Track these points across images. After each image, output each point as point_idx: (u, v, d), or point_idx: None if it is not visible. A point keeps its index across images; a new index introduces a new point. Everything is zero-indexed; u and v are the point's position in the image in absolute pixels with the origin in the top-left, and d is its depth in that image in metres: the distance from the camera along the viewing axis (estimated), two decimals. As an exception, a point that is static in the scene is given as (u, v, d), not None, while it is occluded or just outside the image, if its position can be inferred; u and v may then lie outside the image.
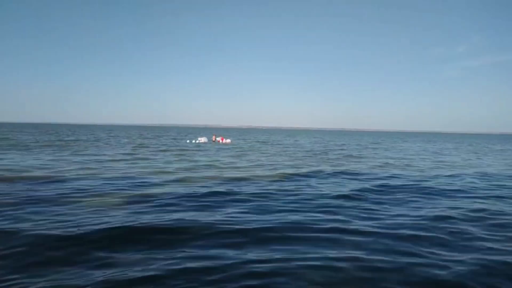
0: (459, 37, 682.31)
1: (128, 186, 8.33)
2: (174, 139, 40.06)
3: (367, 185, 9.34)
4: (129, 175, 10.10)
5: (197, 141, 32.70)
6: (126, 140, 34.23)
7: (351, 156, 20.51)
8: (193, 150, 22.28)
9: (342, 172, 11.97)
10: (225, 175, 10.54)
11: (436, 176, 11.65)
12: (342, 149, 27.52)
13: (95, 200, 6.82)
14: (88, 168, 11.27)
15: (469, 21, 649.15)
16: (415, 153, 25.27)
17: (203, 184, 8.94)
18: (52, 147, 21.12)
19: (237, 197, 7.38)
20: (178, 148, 23.80)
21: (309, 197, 7.55)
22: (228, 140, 34.49)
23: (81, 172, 10.44)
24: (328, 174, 11.56)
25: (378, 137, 73.73)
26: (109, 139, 34.74)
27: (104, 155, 16.61)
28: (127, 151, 19.33)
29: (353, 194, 8.01)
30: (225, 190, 7.99)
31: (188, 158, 16.32)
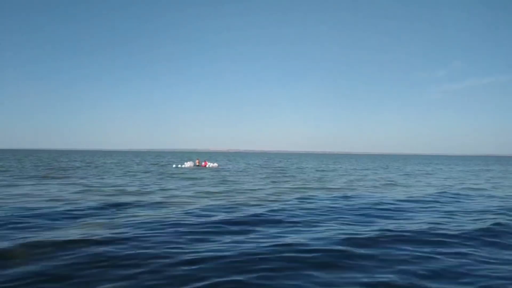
0: (439, 61, 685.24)
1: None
2: (168, 163, 41.24)
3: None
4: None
5: (183, 166, 32.72)
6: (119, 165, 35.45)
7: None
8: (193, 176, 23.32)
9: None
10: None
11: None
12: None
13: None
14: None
15: (448, 46, 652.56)
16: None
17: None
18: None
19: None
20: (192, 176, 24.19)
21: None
22: (216, 164, 34.62)
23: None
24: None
25: (376, 160, 73.01)
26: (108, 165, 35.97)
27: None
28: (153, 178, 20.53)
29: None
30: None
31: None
